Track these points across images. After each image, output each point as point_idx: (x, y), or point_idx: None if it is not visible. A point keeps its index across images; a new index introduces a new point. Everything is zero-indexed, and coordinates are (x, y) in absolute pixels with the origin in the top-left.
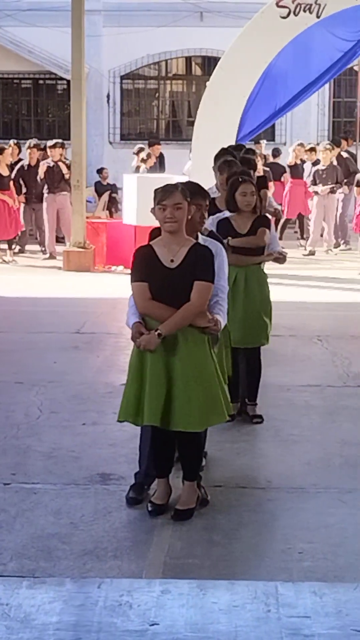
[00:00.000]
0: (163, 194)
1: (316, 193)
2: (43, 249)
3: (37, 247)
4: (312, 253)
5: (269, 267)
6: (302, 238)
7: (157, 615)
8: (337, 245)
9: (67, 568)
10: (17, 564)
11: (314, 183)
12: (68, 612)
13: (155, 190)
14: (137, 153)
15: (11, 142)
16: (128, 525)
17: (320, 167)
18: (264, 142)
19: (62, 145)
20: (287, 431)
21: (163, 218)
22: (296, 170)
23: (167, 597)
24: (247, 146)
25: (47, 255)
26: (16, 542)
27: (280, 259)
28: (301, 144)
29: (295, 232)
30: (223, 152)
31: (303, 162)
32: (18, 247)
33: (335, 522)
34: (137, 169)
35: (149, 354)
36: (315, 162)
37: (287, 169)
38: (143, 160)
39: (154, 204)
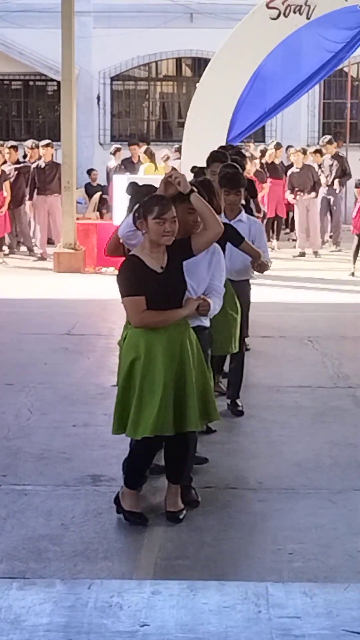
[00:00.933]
0: (161, 208)
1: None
2: (30, 252)
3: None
4: (302, 254)
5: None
6: (276, 239)
7: (148, 616)
8: (322, 244)
9: (58, 569)
10: (7, 566)
11: (291, 187)
12: (58, 613)
13: (147, 203)
14: (114, 153)
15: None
16: (119, 527)
17: (294, 169)
18: (252, 144)
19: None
20: (277, 432)
21: (161, 232)
22: (275, 170)
23: (158, 598)
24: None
25: (38, 256)
26: (6, 544)
27: (262, 266)
28: (278, 144)
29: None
30: (215, 154)
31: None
32: (7, 249)
33: (326, 522)
34: (116, 169)
35: (153, 364)
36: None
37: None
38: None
39: (146, 215)
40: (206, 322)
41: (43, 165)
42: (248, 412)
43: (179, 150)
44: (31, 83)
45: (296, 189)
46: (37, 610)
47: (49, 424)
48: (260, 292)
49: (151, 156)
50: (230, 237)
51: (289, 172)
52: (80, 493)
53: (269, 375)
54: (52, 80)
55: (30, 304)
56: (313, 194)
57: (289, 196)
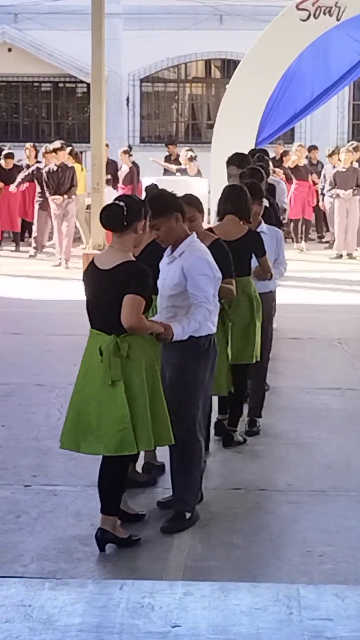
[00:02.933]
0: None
1: (338, 196)
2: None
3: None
4: (340, 256)
5: (289, 270)
6: (299, 241)
7: (180, 617)
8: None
9: (88, 570)
10: (37, 566)
11: (333, 185)
12: (90, 613)
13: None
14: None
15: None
16: (148, 528)
17: (340, 169)
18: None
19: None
20: (307, 434)
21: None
22: (299, 172)
23: (189, 599)
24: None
25: (61, 261)
26: (37, 544)
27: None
28: (301, 145)
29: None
30: (231, 158)
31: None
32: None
33: (356, 525)
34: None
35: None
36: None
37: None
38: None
39: (147, 216)
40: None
41: (55, 168)
42: (277, 414)
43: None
44: (61, 85)
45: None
46: (69, 611)
47: None
48: (289, 293)
49: (76, 157)
50: (256, 247)
51: (333, 171)
52: None
53: (298, 377)
54: (81, 82)
55: (58, 305)
56: (356, 195)
57: (338, 191)
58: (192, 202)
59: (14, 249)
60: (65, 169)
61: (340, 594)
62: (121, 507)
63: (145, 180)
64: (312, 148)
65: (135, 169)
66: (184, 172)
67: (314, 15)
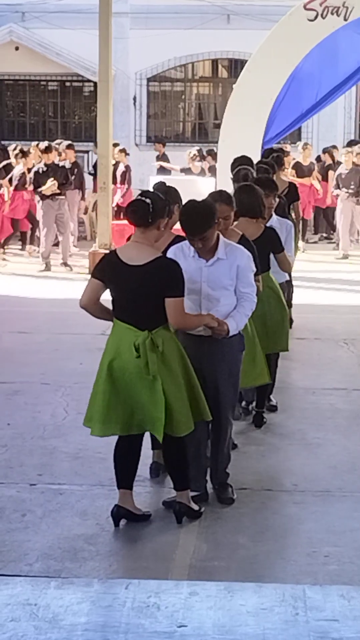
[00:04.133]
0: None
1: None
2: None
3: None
4: (345, 257)
5: (295, 269)
6: (302, 240)
7: (185, 617)
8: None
9: (93, 569)
10: (43, 565)
11: (337, 187)
12: (96, 612)
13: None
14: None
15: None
16: (153, 527)
17: (342, 170)
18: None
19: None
20: (313, 434)
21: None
22: (301, 171)
23: (195, 599)
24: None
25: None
26: (42, 543)
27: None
28: (305, 144)
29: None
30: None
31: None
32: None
33: None
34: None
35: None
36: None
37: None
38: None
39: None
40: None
41: (44, 168)
42: (283, 414)
43: (199, 152)
44: (68, 84)
45: (343, 189)
46: (75, 610)
47: None
48: (296, 293)
49: (23, 155)
50: (273, 244)
51: (336, 172)
52: (116, 493)
53: (304, 377)
54: (88, 81)
55: (65, 304)
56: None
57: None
58: (224, 199)
59: (20, 247)
60: (56, 169)
61: (346, 594)
62: (127, 506)
63: (153, 179)
64: (332, 148)
65: (130, 168)
66: (187, 171)
67: (322, 15)
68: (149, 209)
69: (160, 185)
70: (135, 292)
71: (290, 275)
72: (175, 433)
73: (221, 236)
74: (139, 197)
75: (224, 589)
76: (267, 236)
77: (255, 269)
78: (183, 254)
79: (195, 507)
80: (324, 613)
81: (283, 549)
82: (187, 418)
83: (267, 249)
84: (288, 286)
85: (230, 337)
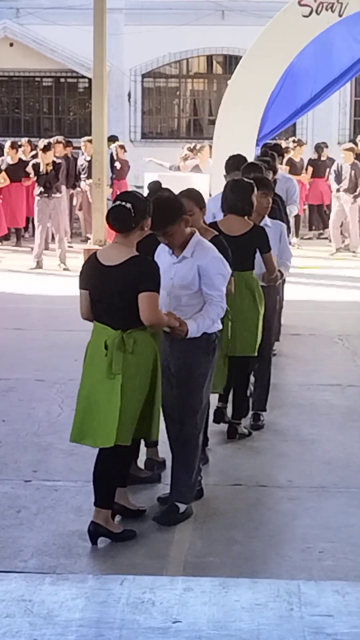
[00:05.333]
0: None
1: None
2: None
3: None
4: (338, 250)
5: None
6: (296, 236)
7: (180, 613)
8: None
9: (88, 565)
10: (37, 561)
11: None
12: (91, 608)
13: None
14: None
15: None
16: (148, 523)
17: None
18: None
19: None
20: (308, 430)
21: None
22: (294, 168)
23: (190, 595)
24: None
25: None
26: (37, 539)
27: (271, 281)
28: (300, 141)
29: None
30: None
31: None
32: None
33: (356, 521)
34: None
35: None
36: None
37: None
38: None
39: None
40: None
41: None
42: (278, 410)
43: (192, 149)
44: (62, 80)
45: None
46: (70, 606)
47: None
48: (291, 290)
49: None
50: (261, 243)
51: (332, 168)
52: None
53: (299, 374)
54: (83, 77)
55: (60, 301)
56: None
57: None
58: (192, 196)
59: (15, 244)
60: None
61: (340, 590)
62: (122, 502)
63: (147, 177)
64: (324, 145)
65: (127, 163)
66: (177, 169)
67: (316, 11)
68: (131, 214)
69: (155, 185)
70: (109, 291)
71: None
72: (150, 437)
73: (196, 235)
74: (119, 203)
75: (219, 584)
76: (254, 233)
77: (225, 272)
78: (163, 249)
79: (118, 529)
80: (319, 608)
81: (278, 544)
82: (129, 430)
83: (252, 247)
84: (282, 286)
85: (194, 338)
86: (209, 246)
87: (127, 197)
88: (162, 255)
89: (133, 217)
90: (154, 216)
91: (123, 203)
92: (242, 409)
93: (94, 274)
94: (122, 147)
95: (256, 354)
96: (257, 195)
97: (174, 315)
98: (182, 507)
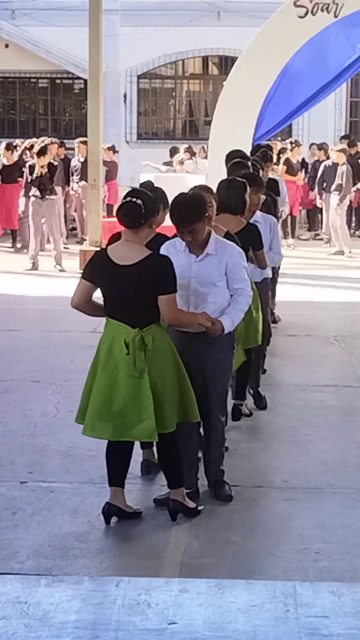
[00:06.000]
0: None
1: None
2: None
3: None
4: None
5: (284, 267)
6: (286, 237)
7: (176, 614)
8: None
9: (84, 566)
10: (33, 562)
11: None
12: (86, 610)
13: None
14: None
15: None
16: (144, 525)
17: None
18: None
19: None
20: (303, 431)
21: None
22: (291, 169)
23: (186, 596)
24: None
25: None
26: (33, 541)
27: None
28: (296, 142)
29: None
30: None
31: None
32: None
33: (352, 522)
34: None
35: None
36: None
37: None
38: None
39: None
40: None
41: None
42: (274, 411)
43: (189, 150)
44: (58, 81)
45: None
46: (66, 607)
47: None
48: (287, 290)
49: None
50: (253, 240)
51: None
52: (107, 490)
53: (294, 374)
54: (79, 78)
55: (56, 302)
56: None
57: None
58: (208, 189)
59: (11, 245)
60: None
61: (336, 591)
62: (118, 504)
63: (143, 177)
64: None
65: (117, 165)
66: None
67: (312, 12)
68: (141, 210)
69: (148, 185)
70: (127, 291)
71: (275, 273)
72: (161, 430)
73: (213, 232)
74: (130, 199)
75: (215, 586)
76: (248, 231)
77: (246, 265)
78: (175, 249)
79: (192, 504)
80: (315, 609)
81: (274, 545)
82: (172, 416)
83: (245, 244)
84: (272, 283)
85: (220, 336)
86: (230, 242)
87: (138, 193)
88: (174, 255)
89: (143, 213)
90: (180, 214)
91: (134, 199)
92: (243, 387)
93: (107, 272)
94: (110, 148)
95: (259, 343)
96: (248, 192)
97: (206, 315)
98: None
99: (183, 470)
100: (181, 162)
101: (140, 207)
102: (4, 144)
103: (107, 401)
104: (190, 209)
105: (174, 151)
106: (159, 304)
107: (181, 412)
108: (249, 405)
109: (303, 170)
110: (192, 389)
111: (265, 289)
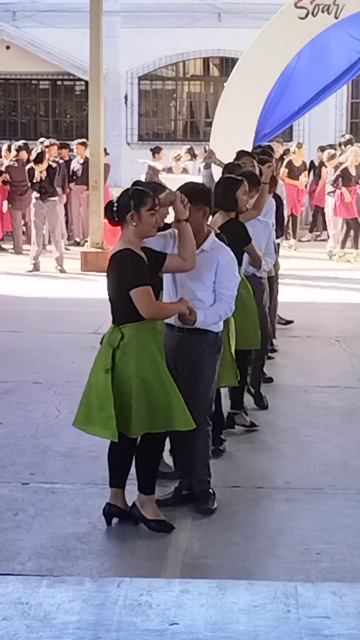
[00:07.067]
0: (154, 200)
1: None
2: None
3: (51, 247)
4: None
5: (285, 268)
6: (287, 238)
7: (177, 615)
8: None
9: (86, 567)
10: (35, 563)
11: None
12: (88, 611)
13: (144, 192)
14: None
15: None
16: (145, 526)
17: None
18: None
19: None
20: (305, 432)
21: (154, 223)
22: (292, 171)
23: (187, 597)
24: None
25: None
26: (35, 542)
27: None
28: (299, 144)
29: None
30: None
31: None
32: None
33: (353, 523)
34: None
35: (159, 360)
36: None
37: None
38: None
39: (139, 207)
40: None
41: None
42: (275, 412)
43: (189, 151)
44: (59, 83)
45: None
46: (67, 608)
47: None
48: (288, 291)
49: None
50: (236, 235)
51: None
52: (108, 491)
53: (296, 375)
54: (80, 79)
55: (57, 303)
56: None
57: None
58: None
59: (11, 246)
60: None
61: (337, 591)
62: (119, 505)
63: (143, 178)
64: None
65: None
66: (168, 170)
67: (312, 13)
68: (113, 207)
69: (137, 183)
70: (107, 287)
71: (276, 274)
72: (129, 433)
73: (212, 234)
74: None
75: (216, 586)
76: (230, 226)
77: (238, 277)
78: (171, 237)
79: (151, 516)
80: (316, 610)
81: (275, 546)
82: (144, 421)
83: (229, 239)
84: (273, 284)
85: (204, 336)
86: (226, 246)
87: (125, 190)
88: (171, 245)
89: (116, 210)
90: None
91: (113, 199)
92: (239, 398)
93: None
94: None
95: (259, 346)
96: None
97: (186, 302)
98: (211, 491)
99: (154, 479)
100: (177, 159)
101: (112, 204)
102: (5, 146)
103: (88, 397)
104: (188, 192)
105: (155, 150)
106: (132, 299)
107: (163, 419)
108: (248, 405)
109: (311, 172)
110: (181, 398)
111: (260, 290)
